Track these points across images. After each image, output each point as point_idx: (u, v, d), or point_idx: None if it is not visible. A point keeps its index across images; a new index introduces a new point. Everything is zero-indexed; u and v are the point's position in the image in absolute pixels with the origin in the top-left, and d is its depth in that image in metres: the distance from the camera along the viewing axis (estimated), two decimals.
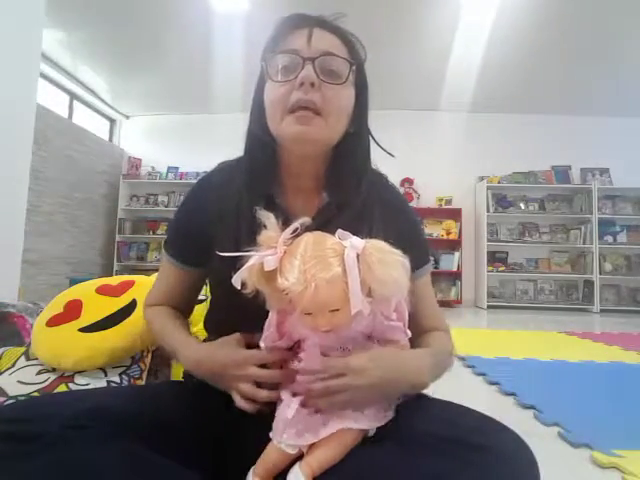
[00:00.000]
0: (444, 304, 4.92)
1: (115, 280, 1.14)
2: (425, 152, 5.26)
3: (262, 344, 0.56)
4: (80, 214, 4.83)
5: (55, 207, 4.42)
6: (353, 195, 0.66)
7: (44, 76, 4.26)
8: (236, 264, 0.51)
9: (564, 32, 3.57)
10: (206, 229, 0.67)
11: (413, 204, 5.00)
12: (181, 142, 5.60)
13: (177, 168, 5.53)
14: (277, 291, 0.49)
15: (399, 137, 4.63)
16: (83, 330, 0.96)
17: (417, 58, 4.11)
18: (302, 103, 0.59)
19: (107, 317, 0.99)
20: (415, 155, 5.03)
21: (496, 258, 5.06)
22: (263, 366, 0.55)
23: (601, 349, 2.49)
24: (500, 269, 5.02)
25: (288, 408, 0.51)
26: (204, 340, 0.74)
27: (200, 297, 0.79)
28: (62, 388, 0.90)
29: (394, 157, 0.69)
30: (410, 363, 0.57)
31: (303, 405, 0.51)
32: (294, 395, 0.52)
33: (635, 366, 2.02)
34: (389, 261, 0.48)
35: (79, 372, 0.94)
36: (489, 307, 4.83)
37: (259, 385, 0.55)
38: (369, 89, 0.69)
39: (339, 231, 0.51)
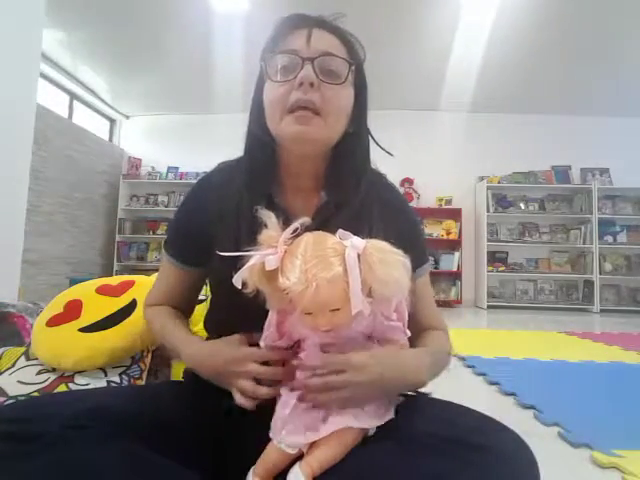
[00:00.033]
0: (444, 304, 4.92)
1: (115, 280, 1.14)
2: (425, 152, 5.26)
3: (262, 343, 0.56)
4: (80, 214, 4.83)
5: (55, 207, 4.42)
6: (352, 195, 0.66)
7: (44, 76, 4.26)
8: (236, 264, 0.51)
9: (564, 32, 3.57)
10: (206, 229, 0.67)
11: (413, 204, 5.00)
12: (181, 142, 5.60)
13: (177, 168, 5.53)
14: (278, 291, 0.49)
15: (399, 137, 4.63)
16: (83, 330, 0.96)
17: (417, 58, 4.11)
18: (301, 103, 0.60)
19: (107, 317, 0.99)
20: (415, 155, 5.03)
21: (496, 258, 5.06)
22: (264, 364, 0.56)
23: (601, 349, 2.49)
24: (500, 269, 5.02)
25: (286, 404, 0.51)
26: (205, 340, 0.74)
27: (200, 297, 0.79)
28: (62, 388, 0.90)
29: (393, 156, 0.69)
30: (409, 362, 0.57)
31: (301, 400, 0.51)
32: (292, 391, 0.52)
33: (635, 366, 2.02)
34: (390, 261, 0.48)
35: (79, 372, 0.94)
36: (489, 307, 4.83)
37: (259, 382, 0.55)
38: (368, 89, 0.69)
39: (340, 231, 0.51)
